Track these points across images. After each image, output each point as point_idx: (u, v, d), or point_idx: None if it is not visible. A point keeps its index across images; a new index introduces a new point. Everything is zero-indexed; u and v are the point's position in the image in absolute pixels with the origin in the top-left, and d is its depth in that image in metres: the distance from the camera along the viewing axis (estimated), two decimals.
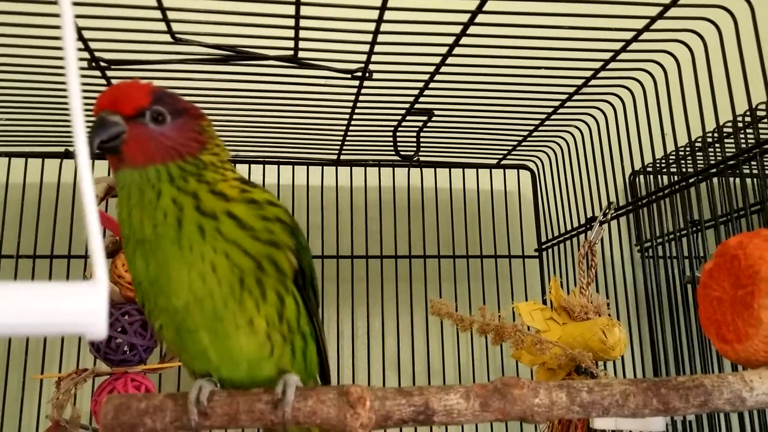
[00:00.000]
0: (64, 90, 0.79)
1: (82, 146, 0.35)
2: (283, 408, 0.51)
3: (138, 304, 0.60)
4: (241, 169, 1.24)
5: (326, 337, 1.22)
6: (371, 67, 0.87)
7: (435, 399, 0.54)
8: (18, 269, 1.11)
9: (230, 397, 0.53)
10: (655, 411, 0.57)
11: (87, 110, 0.93)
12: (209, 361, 0.55)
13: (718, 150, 1.11)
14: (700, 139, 1.01)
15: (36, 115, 1.02)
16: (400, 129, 1.12)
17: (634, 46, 0.86)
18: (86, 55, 0.82)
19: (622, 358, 1.01)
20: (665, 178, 1.14)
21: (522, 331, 0.93)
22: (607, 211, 1.05)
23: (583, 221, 1.14)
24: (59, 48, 0.75)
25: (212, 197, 0.52)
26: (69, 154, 1.17)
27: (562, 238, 1.23)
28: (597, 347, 0.92)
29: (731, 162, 0.84)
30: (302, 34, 0.79)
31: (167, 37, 0.77)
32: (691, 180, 0.93)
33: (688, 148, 1.07)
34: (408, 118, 1.08)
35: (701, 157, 1.08)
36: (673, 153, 1.09)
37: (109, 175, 1.16)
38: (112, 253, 1.01)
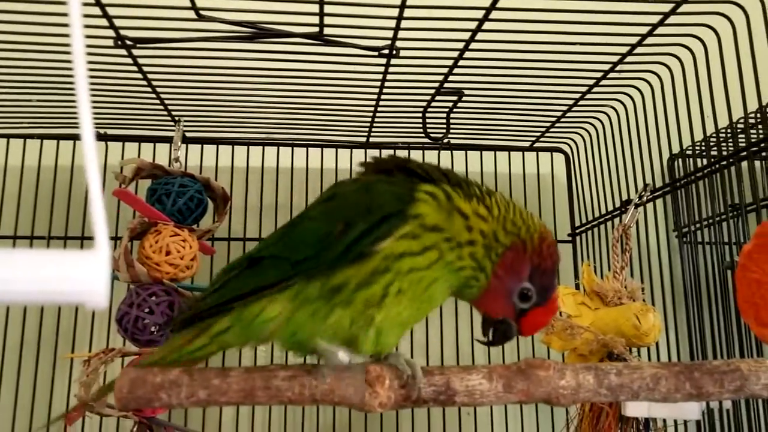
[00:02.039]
0: (91, 69, 0.78)
1: (87, 126, 0.34)
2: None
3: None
4: (270, 153, 1.24)
5: None
6: (398, 44, 0.85)
7: (456, 379, 0.53)
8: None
9: (247, 373, 0.52)
10: (687, 395, 0.54)
11: (113, 90, 0.93)
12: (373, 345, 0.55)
13: (761, 131, 1.07)
14: (741, 121, 0.97)
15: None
16: (429, 110, 1.10)
17: (672, 19, 0.82)
18: (111, 33, 0.81)
19: (657, 345, 0.98)
20: (705, 162, 1.10)
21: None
22: (643, 193, 1.01)
23: (618, 205, 1.11)
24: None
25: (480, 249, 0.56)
26: (101, 136, 1.17)
27: (596, 223, 1.19)
28: (630, 333, 0.89)
29: None
30: (327, 10, 0.77)
31: (191, 14, 0.76)
32: (730, 160, 0.89)
33: (729, 130, 1.03)
34: (437, 98, 1.06)
35: (743, 139, 1.04)
36: (713, 135, 1.06)
37: (138, 156, 1.17)
38: (140, 234, 1.01)
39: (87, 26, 0.79)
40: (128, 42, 0.83)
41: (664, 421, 0.91)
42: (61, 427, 1.06)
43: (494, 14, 0.78)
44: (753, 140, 0.84)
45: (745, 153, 0.86)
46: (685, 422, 0.94)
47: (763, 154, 1.09)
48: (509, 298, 0.55)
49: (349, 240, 0.51)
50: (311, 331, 0.52)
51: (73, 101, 1.02)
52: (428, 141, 1.18)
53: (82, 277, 0.33)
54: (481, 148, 1.27)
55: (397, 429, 1.17)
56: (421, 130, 1.14)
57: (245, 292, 0.54)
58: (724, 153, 1.10)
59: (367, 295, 0.51)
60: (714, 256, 1.14)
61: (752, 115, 0.98)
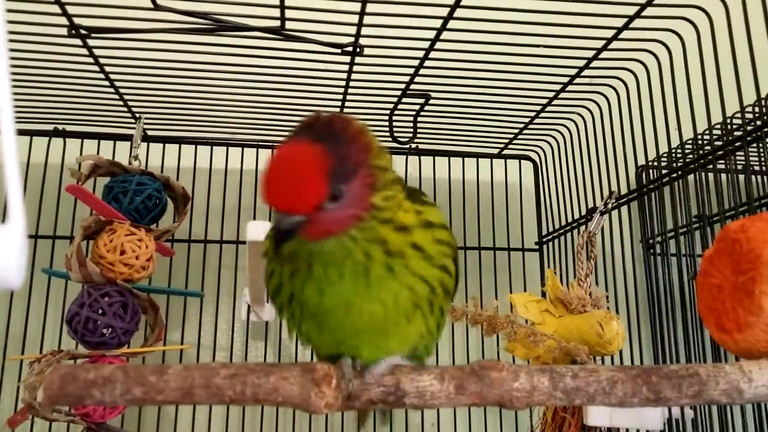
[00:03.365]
0: (46, 60, 0.75)
1: (7, 124, 0.32)
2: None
3: (275, 306, 0.54)
4: (234, 154, 1.21)
5: None
6: (363, 42, 0.84)
7: (407, 379, 0.51)
8: None
9: (186, 370, 0.50)
10: (644, 400, 0.52)
11: (68, 80, 0.90)
12: (352, 351, 0.52)
13: (725, 139, 1.07)
14: (707, 130, 0.97)
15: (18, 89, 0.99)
16: (396, 112, 1.08)
17: (637, 23, 0.82)
18: (65, 21, 0.79)
19: (621, 354, 0.97)
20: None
21: (515, 322, 0.90)
22: (608, 200, 1.01)
23: (585, 213, 1.10)
24: (42, 13, 0.72)
25: (397, 235, 0.48)
26: (59, 132, 1.14)
27: (563, 231, 1.18)
28: (594, 341, 0.88)
29: (738, 144, 0.80)
30: (289, 3, 0.75)
31: (148, 3, 0.74)
32: (695, 165, 0.89)
33: (694, 141, 1.03)
34: (405, 101, 1.04)
35: (708, 150, 1.04)
36: (679, 146, 1.05)
37: (98, 153, 1.14)
38: (94, 232, 0.98)
39: (39, 13, 0.77)
40: (82, 31, 0.80)
41: (627, 430, 0.90)
42: (7, 431, 1.02)
43: (460, 13, 0.77)
44: (717, 146, 0.84)
45: (708, 159, 0.85)
46: None
47: (727, 162, 1.09)
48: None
49: None
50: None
51: (33, 94, 1.00)
52: (395, 145, 1.16)
53: None
54: (449, 155, 1.26)
55: None
56: (388, 134, 1.12)
57: None
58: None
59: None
60: (679, 267, 1.14)
61: (717, 125, 0.98)
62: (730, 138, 0.82)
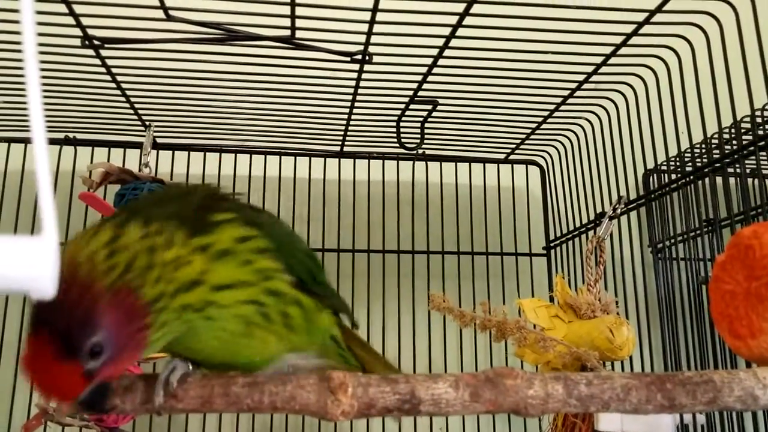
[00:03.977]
0: (59, 70, 0.76)
1: (38, 130, 0.32)
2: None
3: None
4: (242, 161, 1.22)
5: None
6: (372, 50, 0.84)
7: (422, 387, 0.51)
8: None
9: (205, 379, 0.50)
10: (659, 407, 0.53)
11: (80, 89, 0.90)
12: (206, 358, 0.52)
13: (734, 145, 1.07)
14: (716, 135, 0.97)
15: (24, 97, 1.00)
16: (403, 119, 1.09)
17: (646, 29, 0.82)
18: (78, 32, 0.79)
19: (631, 359, 0.97)
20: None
21: (525, 327, 0.90)
22: (617, 205, 1.01)
23: (593, 218, 1.10)
24: (51, 24, 0.73)
25: (192, 294, 0.45)
26: (70, 141, 1.15)
27: (570, 236, 1.19)
28: (604, 346, 0.88)
29: (746, 151, 0.80)
30: (299, 13, 0.76)
31: (160, 14, 0.75)
32: (705, 170, 0.89)
33: (703, 145, 1.03)
34: (412, 107, 1.05)
35: (717, 153, 1.04)
36: (688, 150, 1.05)
37: (108, 161, 1.15)
38: None
39: (53, 24, 0.78)
40: (96, 42, 0.81)
41: None
42: None
43: (468, 21, 0.78)
44: (726, 152, 0.84)
45: (719, 164, 0.85)
46: None
47: (737, 167, 1.09)
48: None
49: None
50: None
51: (45, 103, 1.00)
52: (403, 151, 1.16)
53: (27, 263, 0.31)
54: (456, 160, 1.27)
55: None
56: (396, 140, 1.13)
57: None
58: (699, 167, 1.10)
59: None
60: (688, 272, 1.14)
61: (726, 129, 0.98)
62: (742, 143, 0.83)
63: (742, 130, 0.99)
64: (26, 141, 1.14)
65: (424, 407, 0.51)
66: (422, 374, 0.52)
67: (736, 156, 0.82)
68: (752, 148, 0.80)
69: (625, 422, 0.82)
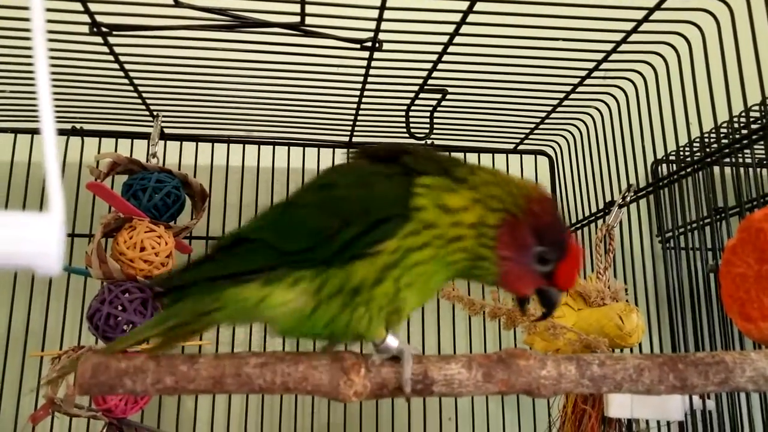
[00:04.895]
0: (67, 58, 0.76)
1: (47, 121, 0.32)
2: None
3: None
4: (250, 151, 1.22)
5: None
6: (381, 37, 0.84)
7: (435, 368, 0.51)
8: None
9: (216, 360, 0.50)
10: (671, 387, 0.53)
11: (87, 78, 0.90)
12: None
13: (744, 132, 1.07)
14: (726, 124, 0.97)
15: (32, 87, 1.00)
16: (413, 108, 1.09)
17: (656, 15, 0.82)
18: (86, 19, 0.79)
19: (640, 346, 0.97)
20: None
21: (535, 315, 0.89)
22: (627, 194, 1.01)
23: (602, 207, 1.10)
24: (64, 11, 0.73)
25: None
26: (77, 131, 1.15)
27: (579, 225, 1.18)
28: (613, 333, 0.88)
29: (755, 137, 0.80)
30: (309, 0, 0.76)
31: (168, 0, 0.75)
32: (713, 158, 0.88)
33: (713, 133, 1.03)
34: (421, 96, 1.05)
35: (727, 142, 1.03)
36: (698, 139, 1.05)
37: (116, 151, 1.15)
38: (114, 229, 0.98)
39: (61, 11, 0.78)
40: (104, 29, 0.81)
41: (647, 422, 0.89)
42: (30, 428, 1.03)
43: (479, 7, 0.77)
44: (737, 137, 0.83)
45: (728, 151, 0.85)
46: (668, 423, 0.93)
47: (746, 153, 1.08)
48: (530, 270, 0.53)
49: (343, 240, 0.50)
50: (342, 323, 0.51)
51: (53, 93, 1.00)
52: (412, 141, 1.16)
53: (32, 238, 0.31)
54: (465, 150, 1.26)
55: None
56: (405, 130, 1.12)
57: (230, 273, 0.52)
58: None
59: (384, 292, 0.50)
60: (697, 261, 1.14)
61: (736, 117, 0.98)
62: (752, 129, 0.82)
63: (751, 119, 0.99)
64: (33, 132, 1.14)
65: (437, 387, 0.51)
66: (435, 355, 0.52)
67: (745, 142, 0.82)
68: (761, 133, 0.79)
69: (635, 408, 0.82)
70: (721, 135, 1.02)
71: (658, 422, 0.90)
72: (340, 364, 0.50)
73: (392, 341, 0.51)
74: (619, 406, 0.82)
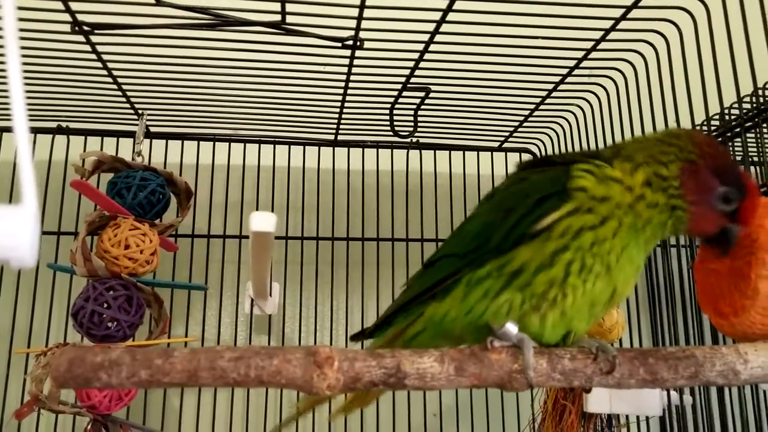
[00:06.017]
0: (50, 57, 0.76)
1: (20, 121, 0.33)
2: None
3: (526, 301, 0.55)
4: (236, 149, 1.22)
5: (318, 322, 1.19)
6: (363, 35, 0.85)
7: (407, 362, 0.52)
8: None
9: (192, 353, 0.51)
10: (641, 381, 0.53)
11: (71, 77, 0.91)
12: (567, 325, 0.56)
13: (734, 123, 1.07)
14: (717, 116, 0.97)
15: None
16: (396, 106, 1.09)
17: (636, 13, 0.82)
18: (68, 18, 0.79)
19: (621, 342, 0.97)
20: None
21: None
22: None
23: None
24: (45, 10, 0.73)
25: None
26: (62, 130, 1.15)
27: None
28: (593, 329, 0.89)
29: (749, 124, 0.80)
30: None
31: None
32: None
33: (704, 127, 1.04)
34: (405, 95, 1.05)
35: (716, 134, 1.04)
36: None
37: (101, 149, 1.15)
38: (99, 227, 0.99)
39: (42, 9, 0.78)
40: (85, 27, 0.81)
41: (627, 417, 0.90)
42: (15, 425, 1.03)
43: (459, 5, 0.78)
44: (727, 129, 0.84)
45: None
46: (647, 419, 0.94)
47: (738, 145, 1.09)
48: (716, 211, 0.55)
49: (509, 224, 0.53)
50: (482, 309, 0.54)
51: (37, 91, 1.00)
52: (396, 140, 1.17)
53: (5, 231, 0.32)
54: (449, 148, 1.27)
55: None
56: (389, 128, 1.13)
57: (423, 290, 0.58)
58: None
59: (549, 278, 0.52)
60: (680, 256, 1.14)
61: (727, 109, 0.98)
62: (733, 124, 0.83)
63: (744, 110, 0.99)
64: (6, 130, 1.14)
65: (409, 381, 0.51)
66: (408, 349, 0.53)
67: (728, 134, 0.83)
68: (750, 123, 0.80)
69: (614, 404, 0.82)
70: (713, 129, 1.02)
71: (638, 418, 0.91)
72: (314, 357, 0.50)
73: (512, 327, 0.53)
74: (597, 401, 0.83)
